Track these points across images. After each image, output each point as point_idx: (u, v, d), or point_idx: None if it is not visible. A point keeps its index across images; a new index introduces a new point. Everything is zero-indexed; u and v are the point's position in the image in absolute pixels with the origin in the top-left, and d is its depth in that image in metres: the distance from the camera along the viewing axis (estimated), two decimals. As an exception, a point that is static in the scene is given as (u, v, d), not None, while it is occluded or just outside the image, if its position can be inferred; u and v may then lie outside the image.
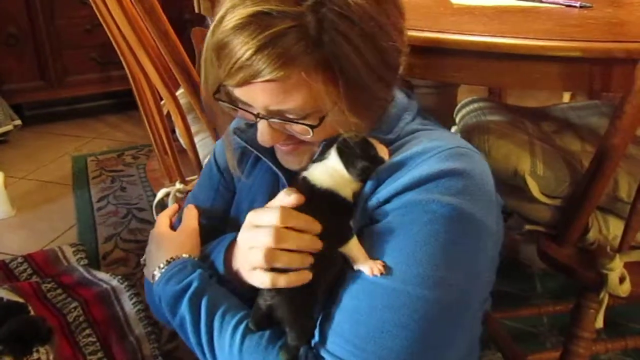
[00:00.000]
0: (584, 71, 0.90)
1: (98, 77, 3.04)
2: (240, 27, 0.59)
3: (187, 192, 1.40)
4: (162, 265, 0.77)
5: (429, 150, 0.66)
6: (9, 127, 2.71)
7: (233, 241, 0.73)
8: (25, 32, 2.88)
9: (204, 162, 1.40)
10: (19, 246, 2.03)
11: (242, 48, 0.59)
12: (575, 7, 1.08)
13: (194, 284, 0.71)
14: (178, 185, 1.41)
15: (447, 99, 1.74)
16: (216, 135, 1.18)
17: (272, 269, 0.64)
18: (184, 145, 1.40)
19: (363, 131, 0.67)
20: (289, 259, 0.63)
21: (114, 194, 2.39)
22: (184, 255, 0.77)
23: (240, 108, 0.67)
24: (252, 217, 0.66)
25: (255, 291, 0.68)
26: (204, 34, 2.18)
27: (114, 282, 1.75)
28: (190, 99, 1.19)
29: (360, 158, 0.65)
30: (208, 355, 0.70)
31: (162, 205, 1.42)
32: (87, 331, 1.56)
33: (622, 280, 0.96)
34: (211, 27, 0.63)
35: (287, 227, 0.63)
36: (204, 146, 1.44)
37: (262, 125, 0.67)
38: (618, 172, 1.01)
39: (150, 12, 1.08)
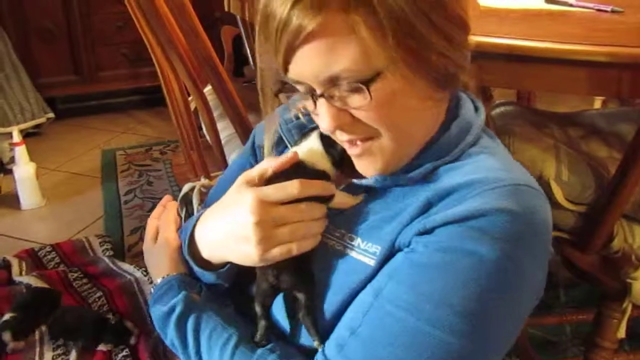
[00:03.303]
0: (613, 76, 0.88)
1: (128, 73, 3.11)
2: None
3: (212, 187, 1.42)
4: (157, 282, 0.77)
5: (491, 181, 0.61)
6: (42, 120, 2.78)
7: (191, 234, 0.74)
8: (61, 28, 2.96)
9: (229, 158, 1.42)
10: (48, 235, 2.08)
11: (280, 7, 0.58)
12: (606, 11, 1.06)
13: (178, 308, 0.71)
14: (203, 180, 1.43)
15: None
16: (243, 131, 1.20)
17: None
18: (209, 142, 1.42)
19: (426, 102, 0.63)
20: (319, 226, 0.67)
21: (140, 187, 2.43)
22: (171, 273, 0.77)
23: (299, 93, 0.65)
24: (261, 195, 0.66)
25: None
26: (233, 32, 2.21)
27: (138, 274, 1.79)
28: (217, 96, 1.21)
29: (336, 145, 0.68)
30: None
31: (187, 199, 1.44)
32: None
33: (646, 290, 0.95)
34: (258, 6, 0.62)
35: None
36: (230, 142, 1.46)
37: (321, 107, 0.63)
38: (645, 180, 1.00)
39: (180, 9, 1.11)
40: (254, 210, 0.64)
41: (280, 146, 0.81)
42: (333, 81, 0.60)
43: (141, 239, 2.06)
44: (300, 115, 0.76)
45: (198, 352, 0.70)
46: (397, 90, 0.60)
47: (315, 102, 0.63)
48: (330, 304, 0.67)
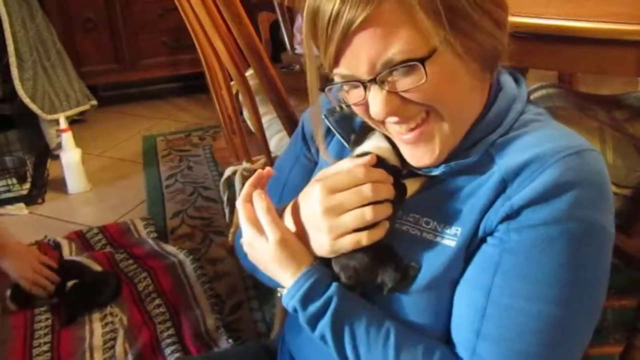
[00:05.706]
0: (662, 56, 0.87)
1: (168, 60, 3.16)
2: None
3: (254, 170, 1.45)
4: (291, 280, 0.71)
5: (557, 150, 0.63)
6: (86, 107, 2.86)
7: None
8: (102, 17, 3.03)
9: (271, 142, 1.44)
10: (95, 218, 2.16)
11: (330, 1, 0.60)
12: (655, -10, 1.04)
13: (333, 304, 0.68)
14: (245, 164, 1.46)
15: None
16: (284, 115, 1.22)
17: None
18: (251, 127, 1.45)
19: (475, 83, 0.65)
20: (386, 210, 0.67)
21: (181, 172, 2.50)
22: (306, 265, 0.70)
23: (349, 82, 0.65)
24: (327, 184, 0.67)
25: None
26: (270, 19, 2.22)
27: (181, 256, 1.84)
28: (260, 81, 1.23)
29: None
30: None
31: (229, 182, 1.48)
32: (157, 301, 1.65)
33: (694, 273, 0.93)
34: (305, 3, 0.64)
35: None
36: (271, 127, 1.48)
37: (373, 94, 0.64)
38: (695, 163, 0.98)
39: (223, -4, 1.13)
40: (321, 199, 0.67)
41: (328, 136, 0.83)
42: (387, 65, 0.61)
43: (183, 222, 2.12)
44: (344, 106, 0.77)
45: (355, 348, 0.68)
46: (451, 69, 0.62)
47: (365, 91, 0.64)
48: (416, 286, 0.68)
